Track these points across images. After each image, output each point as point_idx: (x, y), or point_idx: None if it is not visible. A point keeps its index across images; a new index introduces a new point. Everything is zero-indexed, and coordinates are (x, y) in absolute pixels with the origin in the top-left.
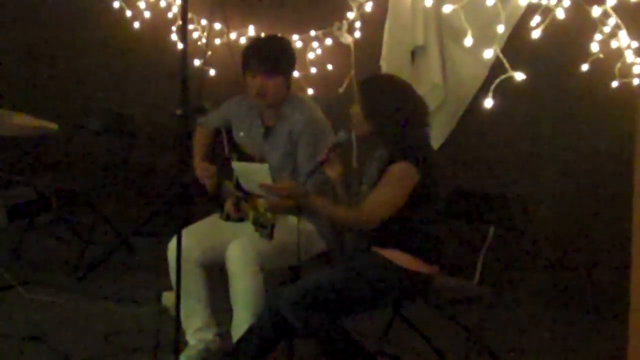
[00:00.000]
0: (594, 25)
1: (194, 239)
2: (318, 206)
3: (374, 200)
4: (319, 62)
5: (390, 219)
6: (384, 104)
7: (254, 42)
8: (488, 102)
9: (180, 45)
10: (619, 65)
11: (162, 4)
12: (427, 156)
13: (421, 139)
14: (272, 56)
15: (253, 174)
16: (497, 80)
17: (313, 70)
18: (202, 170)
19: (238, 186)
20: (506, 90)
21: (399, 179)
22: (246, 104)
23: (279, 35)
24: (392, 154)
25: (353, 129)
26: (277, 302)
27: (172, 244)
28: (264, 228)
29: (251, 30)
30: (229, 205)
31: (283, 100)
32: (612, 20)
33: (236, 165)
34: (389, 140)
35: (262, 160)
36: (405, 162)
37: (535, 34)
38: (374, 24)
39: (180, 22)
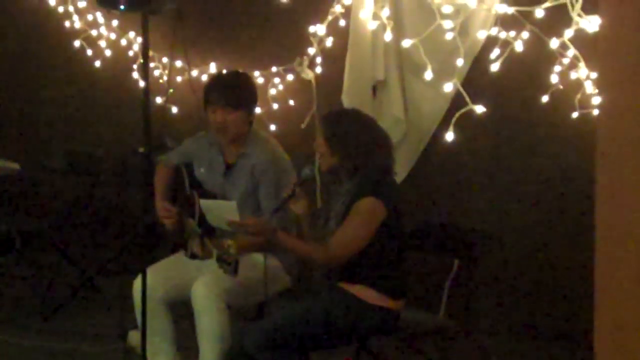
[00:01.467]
0: (553, 57)
1: (159, 277)
2: (286, 243)
3: (341, 237)
4: (281, 97)
5: (356, 255)
6: (349, 138)
7: (216, 77)
8: (449, 136)
9: (141, 83)
10: (578, 96)
11: (123, 42)
12: (393, 191)
13: (387, 174)
14: (233, 90)
15: (220, 211)
16: (458, 114)
17: (275, 106)
18: (163, 210)
19: (201, 224)
20: (467, 124)
21: (366, 215)
22: (207, 141)
23: (240, 70)
24: (358, 189)
25: (318, 163)
26: (244, 341)
27: (137, 283)
28: (228, 264)
29: (212, 68)
30: (194, 245)
31: (245, 136)
32: (571, 52)
33: (203, 203)
34: (355, 175)
35: (223, 197)
36: (372, 198)
37: (495, 67)
38: (335, 59)
39: (141, 60)
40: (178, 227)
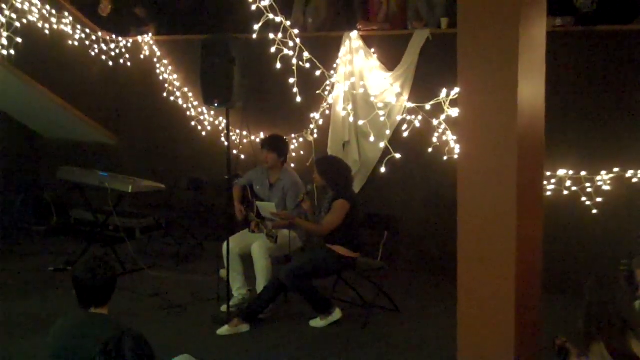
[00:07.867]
0: (434, 127)
1: (235, 242)
2: (300, 225)
3: (328, 221)
4: (296, 150)
5: (334, 229)
6: (330, 171)
7: (267, 137)
8: (382, 169)
9: (226, 143)
10: (447, 148)
11: (217, 122)
12: (354, 196)
13: (350, 188)
14: (273, 143)
15: (267, 208)
16: (387, 158)
17: (293, 154)
18: (239, 211)
19: (258, 215)
20: (392, 163)
21: (340, 209)
22: (261, 172)
23: (278, 134)
24: (336, 196)
25: (315, 184)
26: (278, 274)
27: (224, 244)
28: (272, 238)
29: (261, 134)
30: (253, 226)
31: (279, 169)
32: (443, 126)
33: (258, 203)
34: (334, 189)
35: (269, 201)
36: (343, 200)
37: (405, 134)
38: (324, 130)
39: (226, 131)
40: (243, 219)
